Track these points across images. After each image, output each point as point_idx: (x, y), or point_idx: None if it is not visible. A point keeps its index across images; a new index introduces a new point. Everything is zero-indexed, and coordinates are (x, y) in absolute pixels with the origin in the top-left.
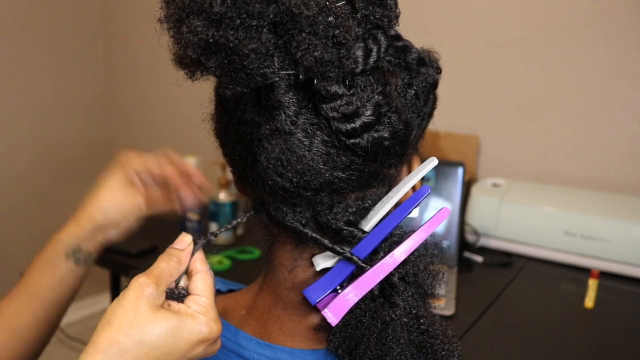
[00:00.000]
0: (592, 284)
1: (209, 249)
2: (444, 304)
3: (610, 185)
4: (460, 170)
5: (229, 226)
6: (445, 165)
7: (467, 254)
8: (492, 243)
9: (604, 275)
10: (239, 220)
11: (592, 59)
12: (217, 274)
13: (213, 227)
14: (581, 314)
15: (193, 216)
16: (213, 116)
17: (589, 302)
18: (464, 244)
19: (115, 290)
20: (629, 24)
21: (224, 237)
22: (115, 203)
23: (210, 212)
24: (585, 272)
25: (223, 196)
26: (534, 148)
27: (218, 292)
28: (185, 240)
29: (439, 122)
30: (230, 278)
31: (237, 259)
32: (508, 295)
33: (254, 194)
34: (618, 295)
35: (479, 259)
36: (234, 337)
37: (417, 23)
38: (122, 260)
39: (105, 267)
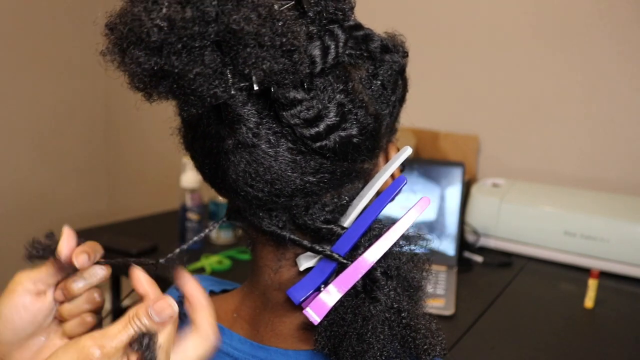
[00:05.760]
0: (592, 284)
1: (209, 249)
2: (443, 304)
3: (610, 185)
4: (460, 170)
5: (197, 238)
6: (445, 165)
7: (467, 254)
8: (492, 243)
9: (604, 275)
10: (207, 231)
11: (592, 59)
12: (217, 274)
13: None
14: (581, 314)
15: (193, 216)
16: (180, 130)
17: (589, 302)
18: (464, 244)
19: (116, 291)
20: (629, 24)
21: (224, 237)
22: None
23: (210, 212)
24: (585, 272)
25: None
26: (534, 148)
27: (211, 293)
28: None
29: (439, 122)
30: (231, 278)
31: (237, 259)
32: (508, 295)
33: (229, 201)
34: (618, 295)
35: (479, 259)
36: (229, 340)
37: (417, 23)
38: (122, 260)
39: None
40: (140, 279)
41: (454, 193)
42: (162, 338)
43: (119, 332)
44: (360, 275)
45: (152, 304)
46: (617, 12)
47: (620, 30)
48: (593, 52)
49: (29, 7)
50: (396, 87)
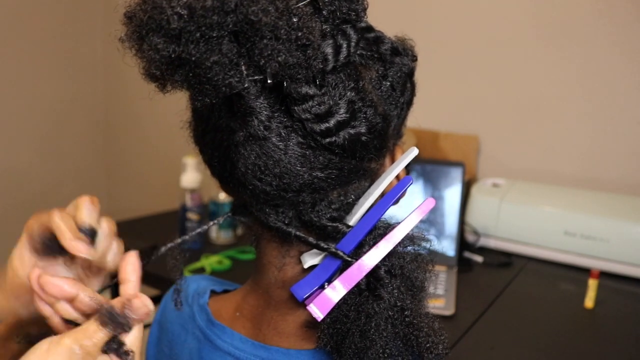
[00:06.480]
0: (592, 284)
1: (209, 249)
2: (443, 304)
3: (610, 185)
4: (460, 170)
5: (200, 230)
6: (445, 165)
7: (467, 254)
8: (492, 243)
9: (604, 275)
10: (211, 224)
11: (592, 59)
12: (217, 274)
13: (211, 228)
14: (581, 314)
15: (193, 216)
16: (190, 123)
17: (589, 302)
18: (464, 244)
19: (116, 290)
20: (629, 24)
21: (224, 237)
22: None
23: (210, 212)
24: (585, 272)
25: (223, 196)
26: (534, 148)
27: (213, 293)
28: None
29: (439, 122)
30: (230, 278)
31: (237, 258)
32: (508, 295)
33: (236, 196)
34: (618, 295)
35: (479, 259)
36: (230, 339)
37: (417, 23)
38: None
39: None
40: (134, 263)
41: (454, 193)
42: (132, 337)
43: (95, 331)
44: (364, 273)
45: (129, 301)
46: (617, 11)
47: (620, 29)
48: (593, 51)
49: (29, 6)
50: (405, 89)
